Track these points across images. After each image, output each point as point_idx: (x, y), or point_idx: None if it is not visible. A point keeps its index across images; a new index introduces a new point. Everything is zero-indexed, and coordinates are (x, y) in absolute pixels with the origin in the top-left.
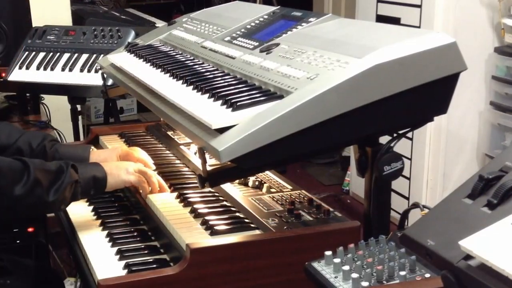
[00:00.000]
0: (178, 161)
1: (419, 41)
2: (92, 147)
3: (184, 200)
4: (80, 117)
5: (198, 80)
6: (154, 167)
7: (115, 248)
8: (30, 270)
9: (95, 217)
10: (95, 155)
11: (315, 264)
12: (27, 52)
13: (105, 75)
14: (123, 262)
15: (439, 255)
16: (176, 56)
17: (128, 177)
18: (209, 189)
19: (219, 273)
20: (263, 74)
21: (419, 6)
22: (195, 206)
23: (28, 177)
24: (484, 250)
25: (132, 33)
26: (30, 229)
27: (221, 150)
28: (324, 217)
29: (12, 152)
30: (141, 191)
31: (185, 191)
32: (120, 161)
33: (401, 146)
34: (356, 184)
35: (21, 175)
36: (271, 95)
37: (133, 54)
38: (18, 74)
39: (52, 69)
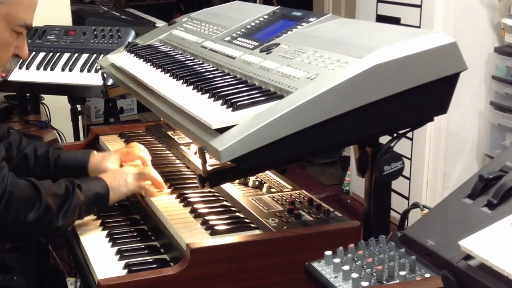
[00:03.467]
0: (178, 161)
1: (419, 41)
2: (94, 151)
3: (184, 200)
4: (80, 117)
5: (198, 80)
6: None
7: (115, 248)
8: (31, 268)
9: (95, 217)
10: (95, 157)
11: (315, 264)
12: None
13: (105, 75)
14: (123, 262)
15: (439, 255)
16: (176, 56)
17: (128, 189)
18: (209, 189)
19: (219, 273)
20: (263, 74)
21: (419, 6)
22: (195, 206)
23: (40, 203)
24: (484, 250)
25: (132, 33)
26: None
27: (221, 150)
28: (324, 217)
29: (19, 158)
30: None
31: (185, 191)
32: (117, 171)
33: (401, 146)
34: (356, 184)
35: (34, 201)
36: (271, 95)
37: (133, 54)
38: (18, 74)
39: (52, 69)
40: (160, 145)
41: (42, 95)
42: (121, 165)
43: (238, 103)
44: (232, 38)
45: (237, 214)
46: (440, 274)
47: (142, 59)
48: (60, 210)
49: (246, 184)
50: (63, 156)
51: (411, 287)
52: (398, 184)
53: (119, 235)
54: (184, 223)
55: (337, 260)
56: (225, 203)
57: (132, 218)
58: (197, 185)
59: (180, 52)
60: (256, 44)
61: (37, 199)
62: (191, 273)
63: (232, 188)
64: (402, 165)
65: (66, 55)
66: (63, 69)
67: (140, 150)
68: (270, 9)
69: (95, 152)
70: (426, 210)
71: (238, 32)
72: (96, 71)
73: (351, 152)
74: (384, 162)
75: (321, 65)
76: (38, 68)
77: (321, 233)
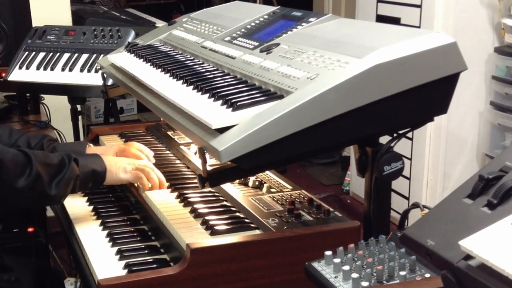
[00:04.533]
0: (178, 161)
1: (419, 41)
2: (89, 143)
3: (184, 200)
4: (80, 117)
5: (198, 80)
6: (152, 160)
7: (115, 248)
8: (31, 268)
9: (95, 217)
10: (92, 150)
11: (315, 264)
12: (27, 52)
13: (105, 75)
14: (123, 262)
15: (439, 255)
16: (176, 56)
17: (125, 175)
18: (209, 189)
19: (219, 273)
20: (263, 74)
21: (419, 6)
22: (195, 206)
23: (31, 170)
24: (484, 250)
25: (132, 33)
26: (30, 229)
27: (221, 150)
28: (324, 217)
29: None
30: (140, 187)
31: (185, 191)
32: (120, 157)
33: (401, 146)
34: (356, 184)
35: (24, 168)
36: (271, 95)
37: (133, 54)
38: (18, 74)
39: (52, 69)
40: (160, 145)
41: (42, 95)
42: None
43: (238, 103)
44: (232, 38)
45: (237, 214)
46: (440, 274)
47: (142, 59)
48: (53, 180)
49: (246, 184)
50: (59, 148)
51: (411, 287)
52: (398, 184)
53: (119, 235)
54: (184, 223)
55: (337, 260)
56: (225, 203)
57: (132, 218)
58: (197, 185)
59: (180, 52)
60: (256, 44)
61: (27, 166)
62: (191, 273)
63: (232, 188)
64: (402, 165)
65: (66, 55)
66: (63, 69)
67: (137, 149)
68: (270, 9)
69: (90, 144)
70: (426, 210)
71: (238, 32)
72: (96, 71)
73: (351, 152)
74: (384, 162)
75: (321, 65)
76: (38, 68)
77: (321, 233)
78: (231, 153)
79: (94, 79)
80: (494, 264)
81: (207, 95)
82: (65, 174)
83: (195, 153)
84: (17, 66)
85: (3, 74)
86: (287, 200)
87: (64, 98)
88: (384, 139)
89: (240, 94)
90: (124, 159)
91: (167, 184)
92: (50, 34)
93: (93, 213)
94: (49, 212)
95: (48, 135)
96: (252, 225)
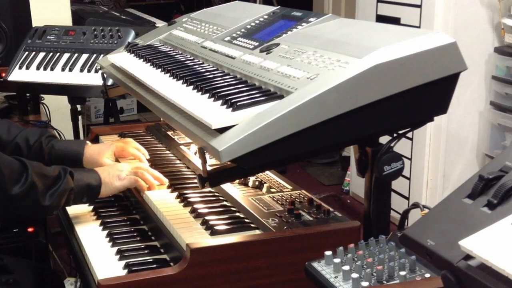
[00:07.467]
0: (178, 161)
1: (419, 41)
2: (88, 142)
3: (184, 200)
4: (80, 117)
5: (198, 80)
6: (147, 156)
7: (115, 248)
8: (30, 270)
9: (95, 217)
10: (90, 149)
11: (315, 264)
12: (27, 52)
13: (105, 75)
14: (123, 262)
15: (439, 255)
16: (176, 56)
17: (121, 183)
18: (209, 189)
19: (219, 273)
20: (263, 74)
21: (419, 6)
22: (195, 206)
23: (26, 179)
24: (484, 250)
25: (132, 33)
26: (30, 229)
27: (221, 150)
28: (324, 217)
29: (10, 148)
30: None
31: (185, 191)
32: (112, 166)
33: (401, 146)
34: (356, 184)
35: (19, 176)
36: (271, 95)
37: (133, 54)
38: (18, 74)
39: (52, 69)
40: (160, 145)
41: (42, 95)
42: (117, 159)
43: (238, 103)
44: (232, 38)
45: (237, 214)
46: (440, 274)
47: (142, 59)
48: (48, 191)
49: (246, 184)
50: (57, 146)
51: (411, 287)
52: (398, 184)
53: (119, 235)
54: (184, 223)
55: (337, 260)
56: (225, 203)
57: (132, 218)
58: (197, 185)
59: (180, 52)
60: (256, 44)
61: (23, 174)
62: (191, 273)
63: (232, 188)
64: (402, 165)
65: (66, 55)
66: (63, 69)
67: (134, 147)
68: (270, 9)
69: (88, 142)
70: (426, 210)
71: (238, 32)
72: (96, 71)
73: (351, 152)
74: (384, 162)
75: (321, 65)
76: (38, 68)
77: (321, 233)
78: (231, 153)
79: (94, 79)
80: (494, 264)
81: (207, 95)
82: (60, 186)
83: (195, 153)
84: (17, 66)
85: (3, 74)
86: (287, 200)
87: (64, 98)
88: (384, 139)
89: (240, 94)
90: (117, 166)
91: (166, 180)
92: (50, 34)
93: (93, 213)
94: None
95: (47, 130)
96: (252, 225)
